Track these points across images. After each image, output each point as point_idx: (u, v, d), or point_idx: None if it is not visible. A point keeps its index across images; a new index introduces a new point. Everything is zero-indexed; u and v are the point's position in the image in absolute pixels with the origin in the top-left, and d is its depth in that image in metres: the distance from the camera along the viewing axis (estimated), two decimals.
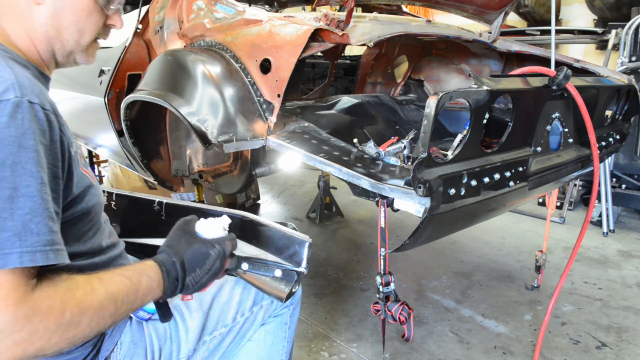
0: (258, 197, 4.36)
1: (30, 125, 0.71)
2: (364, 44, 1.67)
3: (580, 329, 2.29)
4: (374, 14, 2.30)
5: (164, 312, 0.97)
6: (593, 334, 2.25)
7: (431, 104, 1.16)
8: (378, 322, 2.19)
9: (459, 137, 1.36)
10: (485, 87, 1.29)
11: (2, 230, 0.66)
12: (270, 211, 4.21)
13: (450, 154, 1.31)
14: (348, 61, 3.20)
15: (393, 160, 1.42)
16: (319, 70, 3.15)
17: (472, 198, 1.34)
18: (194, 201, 3.26)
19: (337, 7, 3.18)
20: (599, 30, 4.24)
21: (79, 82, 2.71)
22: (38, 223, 0.69)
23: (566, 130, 1.84)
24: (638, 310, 2.46)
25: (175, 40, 2.05)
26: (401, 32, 1.77)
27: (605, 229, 3.52)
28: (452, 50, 2.80)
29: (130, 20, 2.22)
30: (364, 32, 1.59)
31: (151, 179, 2.25)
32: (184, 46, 1.98)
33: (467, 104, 1.28)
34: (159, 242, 1.32)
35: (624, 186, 3.65)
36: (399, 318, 1.62)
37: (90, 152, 4.25)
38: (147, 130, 2.10)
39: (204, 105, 1.59)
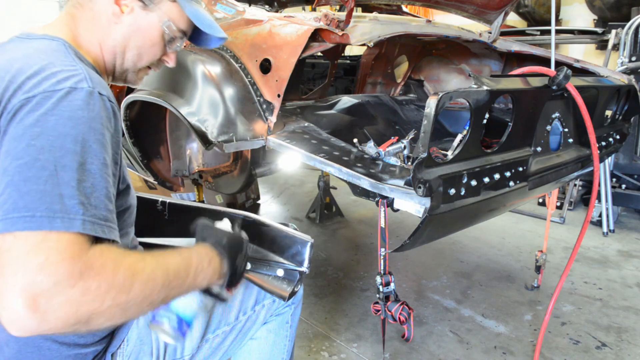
0: (258, 197, 4.36)
1: (99, 111, 0.80)
2: (364, 44, 1.67)
3: (580, 329, 2.29)
4: (374, 14, 2.31)
5: (220, 296, 0.98)
6: (593, 334, 2.25)
7: (431, 104, 1.16)
8: (378, 322, 2.19)
9: (459, 137, 1.37)
10: (485, 87, 1.29)
11: (70, 197, 0.72)
12: (270, 211, 4.21)
13: (450, 154, 1.31)
14: (348, 61, 3.20)
15: (393, 160, 1.42)
16: (319, 70, 3.15)
17: (472, 198, 1.34)
18: (194, 201, 3.26)
19: (337, 7, 3.18)
20: (599, 30, 4.24)
21: None
22: (97, 198, 0.75)
23: (566, 130, 1.84)
24: (638, 310, 2.46)
25: None
26: (401, 32, 1.77)
27: (605, 229, 3.52)
28: (452, 50, 2.80)
29: None
30: (364, 32, 1.59)
31: (151, 179, 2.25)
32: (184, 46, 1.98)
33: (467, 104, 1.28)
34: (161, 241, 1.32)
35: (624, 186, 3.65)
36: (399, 318, 1.62)
37: None
38: (147, 130, 2.10)
39: (204, 105, 1.59)
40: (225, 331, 1.14)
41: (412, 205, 1.28)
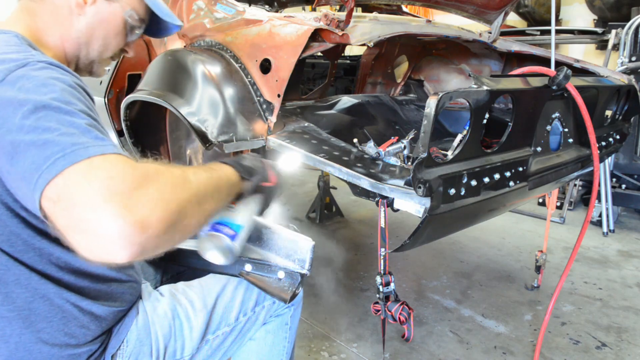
0: None
1: (65, 75, 0.81)
2: (364, 44, 1.67)
3: (580, 329, 2.29)
4: (374, 14, 2.31)
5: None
6: (593, 334, 2.25)
7: (431, 104, 1.16)
8: (378, 322, 2.19)
9: (459, 137, 1.36)
10: (485, 87, 1.29)
11: (87, 131, 0.72)
12: (270, 211, 4.20)
13: (450, 154, 1.31)
14: (348, 61, 3.20)
15: (393, 160, 1.42)
16: (319, 70, 3.15)
17: (472, 198, 1.34)
18: None
19: (337, 7, 3.18)
20: (599, 30, 4.24)
21: None
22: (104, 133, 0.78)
23: (566, 130, 1.84)
24: (638, 310, 2.46)
25: (175, 40, 2.05)
26: (401, 32, 1.77)
27: (605, 229, 3.52)
28: (452, 50, 2.79)
29: None
30: (364, 32, 1.59)
31: None
32: (184, 46, 1.98)
33: (467, 104, 1.28)
34: None
35: (624, 186, 3.65)
36: (399, 318, 1.62)
37: None
38: (147, 130, 2.10)
39: (204, 105, 1.59)
40: (225, 332, 1.14)
41: (412, 205, 1.28)
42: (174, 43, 2.06)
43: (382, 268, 1.62)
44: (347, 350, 2.11)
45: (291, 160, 1.53)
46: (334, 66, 2.86)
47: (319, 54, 2.87)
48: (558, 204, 3.79)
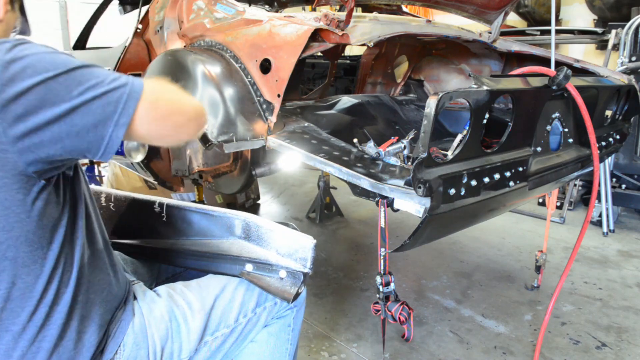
0: (258, 197, 4.36)
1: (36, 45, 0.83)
2: (364, 44, 1.67)
3: (580, 329, 2.29)
4: (374, 14, 2.30)
5: None
6: (593, 334, 2.25)
7: (431, 104, 1.16)
8: (378, 322, 2.19)
9: (459, 137, 1.36)
10: (485, 87, 1.29)
11: (118, 77, 0.85)
12: (270, 211, 4.21)
13: (450, 154, 1.31)
14: (348, 61, 3.20)
15: (393, 160, 1.42)
16: (319, 70, 3.15)
17: (472, 198, 1.34)
18: (194, 201, 3.26)
19: (337, 7, 3.18)
20: (599, 30, 4.24)
21: None
22: None
23: (566, 130, 1.84)
24: (638, 310, 2.46)
25: (175, 40, 2.05)
26: (401, 32, 1.77)
27: (605, 229, 3.52)
28: (452, 50, 2.79)
29: (130, 20, 2.22)
30: (364, 32, 1.59)
31: (151, 179, 2.25)
32: (184, 46, 1.98)
33: (467, 104, 1.28)
34: (159, 243, 1.32)
35: (624, 186, 3.65)
36: (399, 318, 1.62)
37: None
38: None
39: (204, 105, 1.59)
40: (224, 333, 1.13)
41: (412, 205, 1.28)
42: (174, 43, 2.06)
43: (382, 268, 1.62)
44: (347, 350, 2.11)
45: (291, 160, 1.53)
46: (334, 66, 2.86)
47: (319, 54, 2.87)
48: (558, 204, 3.79)
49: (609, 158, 3.55)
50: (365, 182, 1.30)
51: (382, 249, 1.60)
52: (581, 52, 5.34)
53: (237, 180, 2.20)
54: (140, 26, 2.31)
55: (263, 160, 2.16)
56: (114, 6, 3.11)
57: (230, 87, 1.62)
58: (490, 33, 2.27)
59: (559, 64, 1.94)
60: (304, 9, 3.56)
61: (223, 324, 1.12)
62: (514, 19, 5.59)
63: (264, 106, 1.61)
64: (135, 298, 1.06)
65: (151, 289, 1.13)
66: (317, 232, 3.57)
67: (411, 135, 1.50)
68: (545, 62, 2.05)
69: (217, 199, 3.80)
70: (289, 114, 1.78)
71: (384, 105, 2.47)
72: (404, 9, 3.28)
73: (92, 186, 1.27)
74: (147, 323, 1.02)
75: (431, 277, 2.81)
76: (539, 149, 1.64)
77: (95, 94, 0.80)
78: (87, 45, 3.44)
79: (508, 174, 1.46)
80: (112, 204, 1.41)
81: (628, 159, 3.62)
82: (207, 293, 1.13)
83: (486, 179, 1.37)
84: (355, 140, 1.47)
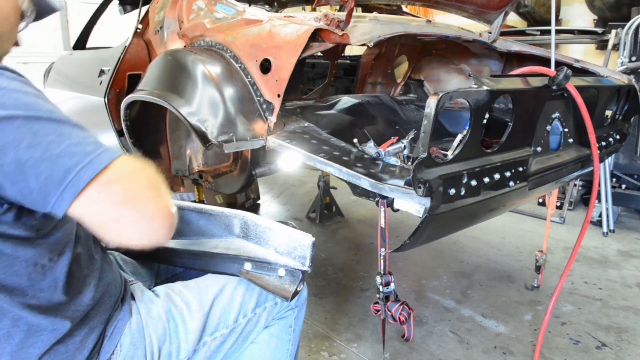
0: (258, 197, 4.36)
1: (15, 79, 0.76)
2: (364, 44, 1.67)
3: (580, 329, 2.29)
4: (374, 14, 2.31)
5: None
6: (593, 334, 2.25)
7: (431, 104, 1.16)
8: (378, 322, 2.19)
9: (459, 137, 1.36)
10: (485, 87, 1.29)
11: (86, 143, 0.75)
12: (270, 211, 4.21)
13: (450, 154, 1.31)
14: (348, 61, 3.20)
15: (393, 160, 1.42)
16: (319, 70, 3.15)
17: (472, 198, 1.34)
18: (194, 201, 3.26)
19: (337, 7, 3.18)
20: (599, 30, 4.24)
21: (79, 82, 2.72)
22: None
23: (566, 130, 1.84)
24: (638, 310, 2.46)
25: (175, 40, 2.05)
26: (401, 32, 1.77)
27: (605, 229, 3.52)
28: (452, 50, 2.80)
29: (131, 20, 2.23)
30: (364, 32, 1.59)
31: None
32: (184, 46, 1.98)
33: (467, 104, 1.28)
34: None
35: (624, 186, 3.65)
36: (399, 318, 1.62)
37: None
38: (147, 130, 2.11)
39: (204, 105, 1.59)
40: (223, 334, 1.12)
41: (412, 205, 1.28)
42: (174, 43, 2.06)
43: (382, 268, 1.62)
44: (347, 350, 2.11)
45: (291, 160, 1.53)
46: (334, 66, 2.86)
47: (319, 54, 2.87)
48: (558, 204, 3.79)
49: (609, 158, 3.55)
50: (365, 182, 1.30)
51: (382, 249, 1.60)
52: (581, 52, 5.34)
53: (237, 180, 2.20)
54: (140, 26, 2.31)
55: (263, 160, 2.17)
56: (114, 6, 3.11)
57: (230, 87, 1.62)
58: (490, 33, 2.27)
59: (559, 64, 1.94)
60: (304, 9, 3.57)
61: (222, 325, 1.12)
62: (514, 19, 5.59)
63: (264, 106, 1.61)
64: (133, 298, 1.06)
65: (150, 289, 1.13)
66: (317, 232, 3.57)
67: (411, 135, 1.50)
68: (545, 62, 2.05)
69: (217, 199, 3.80)
70: (289, 114, 1.78)
71: (384, 105, 2.47)
72: (404, 9, 3.28)
73: None
74: (145, 323, 1.01)
75: (431, 277, 2.81)
76: (539, 149, 1.64)
77: (46, 154, 0.70)
78: (87, 45, 3.44)
79: (508, 174, 1.46)
80: None
81: (628, 159, 3.62)
82: (206, 293, 1.12)
83: (486, 179, 1.37)
84: (355, 140, 1.47)
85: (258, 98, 1.62)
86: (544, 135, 1.70)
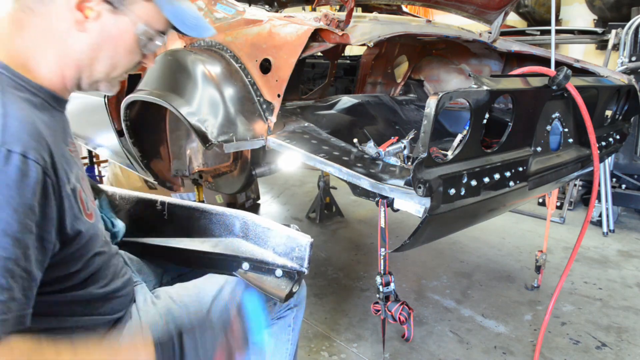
0: (258, 197, 4.36)
1: (16, 180, 0.66)
2: (364, 44, 1.67)
3: (580, 329, 2.29)
4: (374, 14, 2.31)
5: None
6: (593, 334, 2.24)
7: (431, 104, 1.16)
8: (378, 322, 2.19)
9: (459, 137, 1.36)
10: (485, 87, 1.29)
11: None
12: (270, 211, 4.21)
13: (450, 154, 1.31)
14: (348, 61, 3.20)
15: (393, 160, 1.42)
16: (319, 70, 3.15)
17: (472, 198, 1.34)
18: (194, 201, 3.26)
19: (337, 7, 3.18)
20: (599, 30, 4.24)
21: None
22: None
23: (566, 130, 1.84)
24: (638, 310, 2.45)
25: (175, 40, 2.05)
26: (401, 32, 1.77)
27: (605, 229, 3.52)
28: (452, 50, 2.79)
29: None
30: (364, 32, 1.59)
31: (151, 179, 2.25)
32: (184, 46, 1.98)
33: (467, 104, 1.28)
34: (160, 241, 1.32)
35: (624, 186, 3.65)
36: (399, 318, 1.62)
37: (90, 152, 4.25)
38: (147, 130, 2.10)
39: (204, 105, 1.59)
40: None
41: (412, 205, 1.28)
42: (174, 43, 2.06)
43: (382, 268, 1.62)
44: (347, 350, 2.11)
45: (291, 160, 1.53)
46: (334, 66, 2.86)
47: (319, 54, 2.87)
48: (558, 204, 3.79)
49: (609, 158, 3.55)
50: (365, 182, 1.30)
51: (382, 249, 1.60)
52: (581, 52, 5.34)
53: (237, 180, 2.20)
54: None
55: (263, 160, 2.16)
56: None
57: (230, 87, 1.62)
58: (490, 33, 2.27)
59: (559, 64, 1.94)
60: (304, 9, 3.56)
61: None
62: (514, 19, 5.59)
63: (264, 106, 1.61)
64: (133, 300, 1.06)
65: (155, 289, 1.13)
66: (317, 232, 3.57)
67: (411, 135, 1.50)
68: (545, 62, 2.05)
69: (217, 199, 3.80)
70: (289, 114, 1.78)
71: (384, 105, 2.47)
72: (404, 9, 3.28)
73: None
74: (143, 326, 1.01)
75: (431, 277, 2.81)
76: (539, 149, 1.64)
77: None
78: None
79: (508, 174, 1.46)
80: (117, 202, 1.43)
81: (628, 159, 3.62)
82: (205, 294, 1.12)
83: (486, 179, 1.37)
84: (355, 140, 1.47)
85: (258, 98, 1.62)
86: (544, 135, 1.70)
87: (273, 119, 1.58)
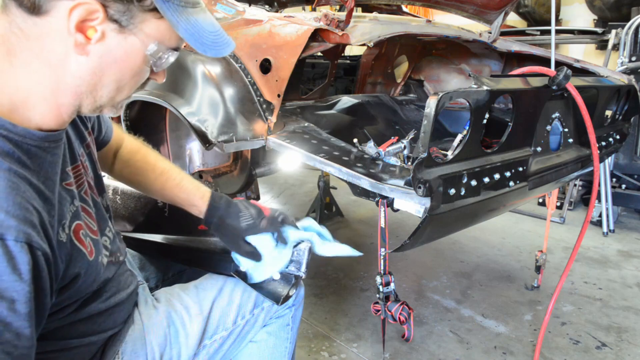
0: (258, 197, 4.34)
1: (21, 266, 0.61)
2: (364, 44, 1.67)
3: (580, 329, 2.29)
4: (374, 14, 2.30)
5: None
6: (593, 334, 2.24)
7: (431, 104, 1.16)
8: (378, 322, 2.19)
9: (459, 137, 1.37)
10: (485, 87, 1.29)
11: None
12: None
13: (450, 154, 1.31)
14: (348, 61, 3.20)
15: (393, 160, 1.42)
16: (319, 70, 3.15)
17: (472, 198, 1.34)
18: None
19: (337, 7, 3.18)
20: (599, 30, 4.24)
21: None
22: None
23: (566, 130, 1.84)
24: (638, 310, 2.46)
25: None
26: (401, 32, 1.77)
27: (605, 229, 3.52)
28: (452, 50, 2.80)
29: None
30: (364, 32, 1.60)
31: None
32: (184, 46, 1.98)
33: (467, 104, 1.28)
34: (160, 238, 1.32)
35: (624, 186, 3.65)
36: (399, 318, 1.62)
37: None
38: (147, 130, 2.10)
39: (204, 105, 1.59)
40: (223, 336, 1.12)
41: (412, 205, 1.28)
42: None
43: (382, 268, 1.62)
44: (347, 350, 2.11)
45: (291, 160, 1.53)
46: (334, 66, 2.85)
47: (319, 54, 2.87)
48: (558, 204, 3.79)
49: (609, 158, 3.55)
50: (365, 182, 1.30)
51: (382, 249, 1.60)
52: (581, 52, 5.35)
53: (237, 180, 2.20)
54: None
55: (263, 160, 2.17)
56: None
57: (230, 87, 1.62)
58: (490, 33, 2.27)
59: (559, 64, 1.94)
60: (304, 9, 3.56)
61: (221, 327, 1.12)
62: (514, 19, 5.60)
63: (264, 106, 1.61)
64: (136, 304, 1.06)
65: (158, 286, 1.13)
66: None
67: (411, 135, 1.50)
68: (545, 62, 2.05)
69: None
70: (289, 114, 1.78)
71: (384, 105, 2.47)
72: (404, 9, 3.27)
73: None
74: (146, 330, 1.01)
75: (431, 277, 2.81)
76: (539, 149, 1.64)
77: None
78: None
79: (508, 174, 1.46)
80: (119, 197, 1.43)
81: (628, 159, 3.62)
82: (205, 296, 1.12)
83: (486, 179, 1.37)
84: (355, 140, 1.47)
85: (258, 98, 1.62)
86: (544, 135, 1.70)
87: (273, 119, 1.58)
